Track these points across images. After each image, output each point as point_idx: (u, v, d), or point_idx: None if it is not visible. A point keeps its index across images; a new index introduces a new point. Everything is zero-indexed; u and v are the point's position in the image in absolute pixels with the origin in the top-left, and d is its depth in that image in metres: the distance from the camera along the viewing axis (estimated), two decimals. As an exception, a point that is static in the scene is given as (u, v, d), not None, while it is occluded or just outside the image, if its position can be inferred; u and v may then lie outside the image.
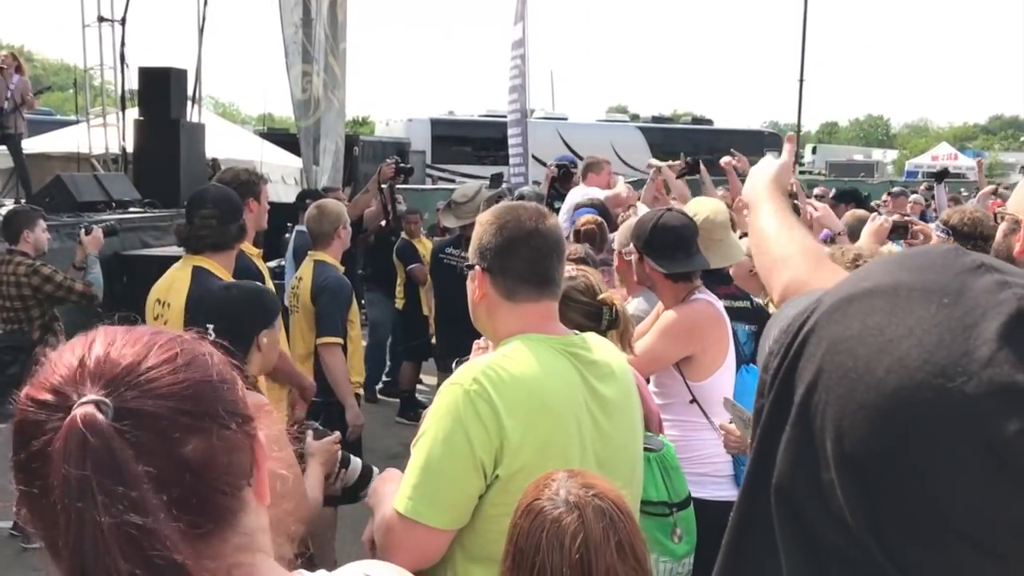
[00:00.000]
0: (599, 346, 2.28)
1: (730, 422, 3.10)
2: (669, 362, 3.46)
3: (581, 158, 8.17)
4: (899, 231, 4.36)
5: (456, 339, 3.74)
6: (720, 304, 3.63)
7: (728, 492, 3.38)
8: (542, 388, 2.06)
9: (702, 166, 7.02)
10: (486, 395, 1.99)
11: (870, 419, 0.86)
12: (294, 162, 14.92)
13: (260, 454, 1.02)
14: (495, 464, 2.00)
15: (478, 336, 3.37)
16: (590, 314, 2.74)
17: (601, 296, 2.76)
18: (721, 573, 1.11)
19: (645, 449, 2.84)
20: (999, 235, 1.96)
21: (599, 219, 5.20)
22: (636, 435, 2.33)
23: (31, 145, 14.76)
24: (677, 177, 6.85)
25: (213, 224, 3.94)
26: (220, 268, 3.87)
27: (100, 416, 0.89)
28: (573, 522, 1.67)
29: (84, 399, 0.90)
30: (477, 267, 2.23)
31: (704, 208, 4.04)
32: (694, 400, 3.46)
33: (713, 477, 3.40)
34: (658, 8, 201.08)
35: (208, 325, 2.42)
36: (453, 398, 2.01)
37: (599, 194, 6.49)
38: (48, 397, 0.93)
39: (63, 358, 0.97)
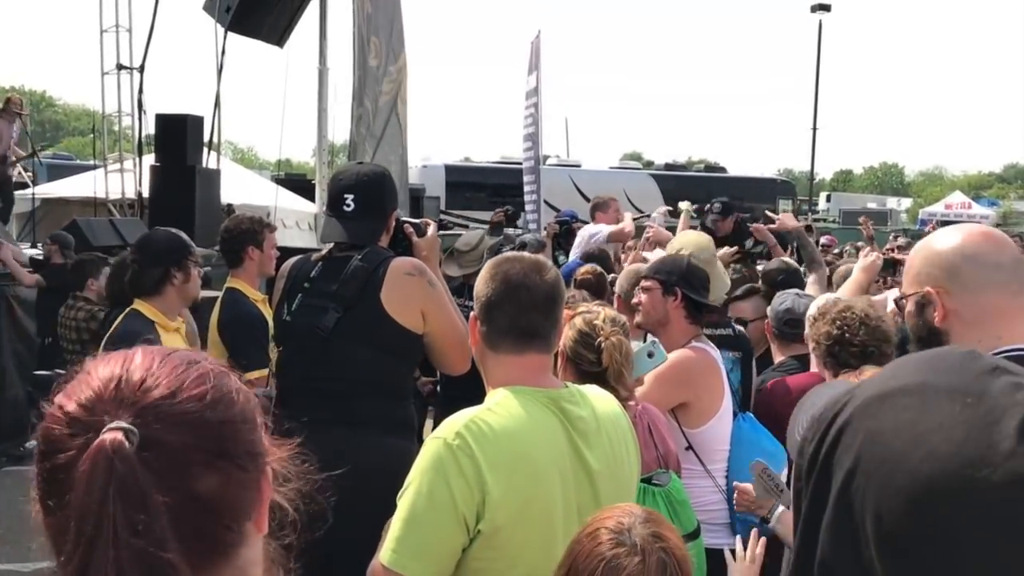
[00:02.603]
0: (590, 399, 2.29)
1: (753, 483, 3.10)
2: (663, 408, 3.48)
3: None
4: (889, 267, 4.43)
5: (459, 387, 3.77)
6: (716, 352, 3.67)
7: (724, 539, 3.38)
8: (525, 443, 2.08)
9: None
10: (468, 450, 2.01)
11: (907, 502, 0.99)
12: (308, 207, 15.06)
13: (266, 490, 1.06)
14: (477, 519, 2.01)
15: (480, 384, 3.43)
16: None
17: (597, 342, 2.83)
18: None
19: (652, 484, 2.87)
20: (911, 318, 2.03)
21: (599, 269, 5.29)
22: (625, 499, 2.30)
23: (50, 189, 15.02)
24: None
25: (135, 269, 3.93)
26: (155, 312, 3.76)
27: (127, 444, 0.92)
28: (633, 565, 1.69)
29: (114, 425, 0.93)
30: (472, 314, 2.29)
31: (690, 243, 4.14)
32: (690, 447, 3.48)
33: (709, 524, 3.41)
34: (673, 56, 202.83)
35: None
36: (436, 452, 2.04)
37: (605, 229, 6.70)
38: (79, 413, 0.96)
39: (99, 373, 1.00)
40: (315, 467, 1.17)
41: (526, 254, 2.45)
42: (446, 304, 3.29)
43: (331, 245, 3.39)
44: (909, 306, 2.03)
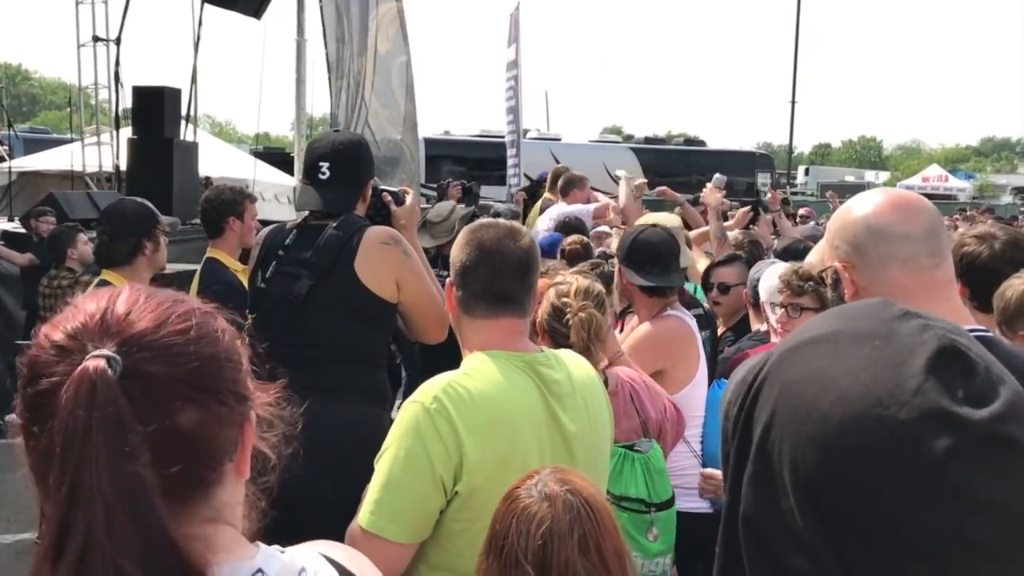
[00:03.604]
0: (566, 363, 2.33)
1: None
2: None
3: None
4: None
5: (432, 355, 3.80)
6: (692, 320, 3.71)
7: (698, 504, 3.45)
8: (502, 406, 2.12)
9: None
10: (446, 413, 2.05)
11: (819, 449, 1.01)
12: (287, 181, 14.98)
13: (248, 433, 1.07)
14: (454, 481, 2.05)
15: (453, 353, 3.45)
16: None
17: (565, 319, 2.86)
18: None
19: (632, 450, 2.93)
20: (830, 292, 1.91)
21: (584, 239, 5.33)
22: (601, 461, 2.38)
23: (26, 163, 14.86)
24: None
25: (105, 241, 3.96)
26: (120, 280, 3.75)
27: (109, 371, 0.93)
28: (541, 512, 1.73)
29: (97, 352, 0.95)
30: (448, 279, 2.33)
31: (661, 223, 4.17)
32: (665, 413, 3.53)
33: (684, 489, 3.46)
34: (653, 29, 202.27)
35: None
36: (414, 416, 2.07)
37: (583, 209, 6.61)
38: (65, 341, 0.98)
39: (86, 306, 1.02)
40: (295, 415, 1.18)
41: (501, 220, 2.48)
42: (421, 273, 3.30)
43: (306, 213, 3.40)
44: (828, 280, 1.91)
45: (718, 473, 3.18)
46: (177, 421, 0.98)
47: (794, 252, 5.46)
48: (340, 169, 3.35)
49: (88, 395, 0.92)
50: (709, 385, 3.70)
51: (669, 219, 4.35)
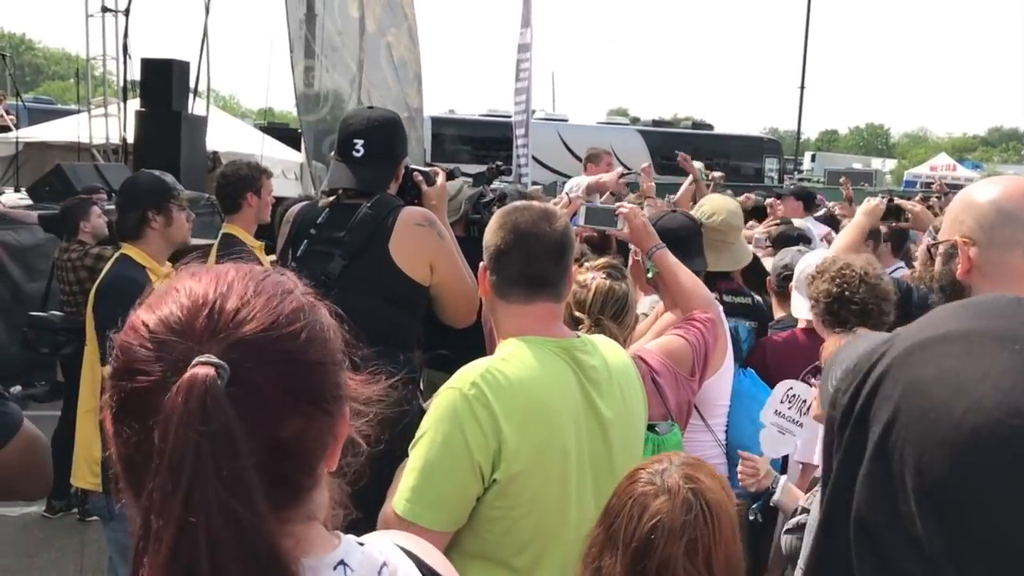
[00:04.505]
0: (601, 348, 2.29)
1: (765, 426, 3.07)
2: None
3: (580, 159, 8.24)
4: (893, 212, 4.38)
5: (438, 334, 3.72)
6: (719, 307, 3.65)
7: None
8: (540, 392, 2.08)
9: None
10: (484, 400, 2.01)
11: (949, 456, 0.94)
12: (295, 157, 14.90)
13: (343, 430, 1.02)
14: (492, 468, 2.01)
15: (461, 333, 3.36)
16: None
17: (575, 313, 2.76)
18: None
19: (651, 431, 2.86)
20: (939, 264, 1.97)
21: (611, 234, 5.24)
22: (636, 449, 2.34)
23: (32, 133, 14.77)
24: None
25: (118, 212, 3.88)
26: (144, 256, 3.69)
27: (219, 382, 0.86)
28: (656, 503, 1.70)
29: (206, 358, 0.88)
30: (482, 264, 2.28)
31: (722, 209, 4.03)
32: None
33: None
34: (661, 12, 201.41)
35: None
36: (452, 401, 2.03)
37: (584, 179, 6.59)
38: (165, 335, 0.91)
39: (190, 291, 0.94)
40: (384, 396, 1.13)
41: (535, 203, 2.42)
42: (454, 256, 3.24)
43: (339, 191, 3.31)
44: (940, 251, 1.96)
45: (758, 457, 3.12)
46: (280, 432, 0.92)
47: (786, 239, 5.48)
48: (375, 147, 3.27)
49: (199, 410, 0.85)
50: (735, 373, 3.63)
51: (726, 202, 4.20)
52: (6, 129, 14.05)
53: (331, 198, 3.33)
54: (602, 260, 2.92)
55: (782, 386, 3.09)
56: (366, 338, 3.20)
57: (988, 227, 1.87)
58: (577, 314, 2.74)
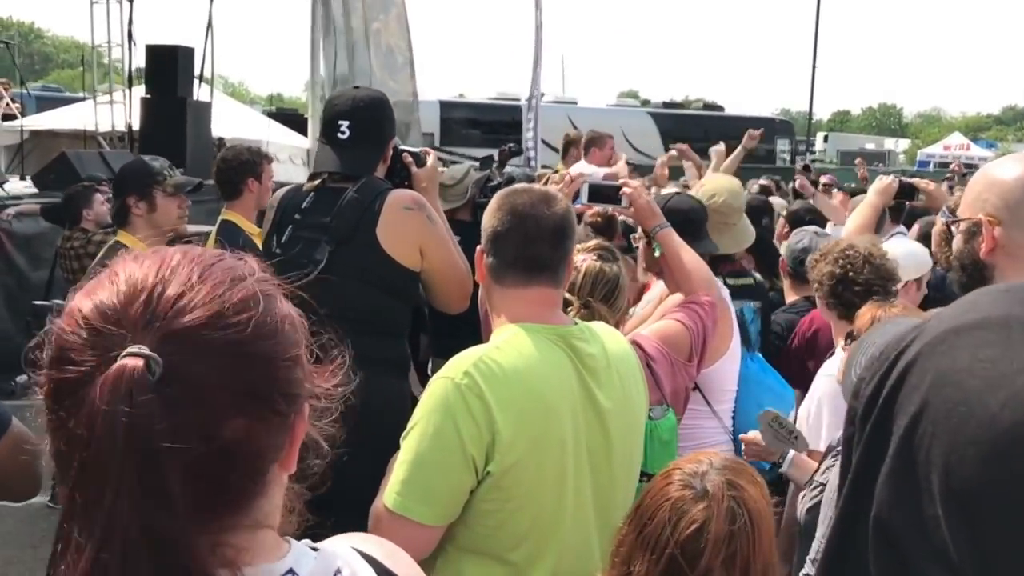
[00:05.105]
0: (600, 336, 2.22)
1: (761, 432, 3.02)
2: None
3: (590, 143, 8.10)
4: (906, 192, 4.30)
5: (443, 321, 3.64)
6: (725, 291, 3.57)
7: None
8: (536, 381, 2.01)
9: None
10: (477, 389, 1.94)
11: (982, 455, 0.84)
12: (301, 142, 14.85)
13: (300, 430, 0.94)
14: (486, 460, 1.95)
15: (465, 320, 3.28)
16: None
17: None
18: None
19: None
20: (959, 242, 1.89)
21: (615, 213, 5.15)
22: (636, 440, 2.27)
23: (38, 121, 14.76)
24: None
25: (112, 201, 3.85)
26: (137, 243, 3.61)
27: (148, 376, 0.80)
28: (696, 509, 1.61)
29: (136, 349, 0.81)
30: (479, 247, 2.21)
31: (723, 190, 3.94)
32: (696, 387, 3.40)
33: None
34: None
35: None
36: (443, 391, 1.96)
37: (597, 171, 6.45)
38: (99, 323, 0.84)
39: (129, 275, 0.87)
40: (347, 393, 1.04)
41: (536, 186, 2.35)
42: (446, 240, 3.15)
43: (324, 175, 3.20)
44: (960, 228, 1.87)
45: (757, 436, 3.05)
46: (220, 433, 0.83)
47: (799, 219, 5.44)
48: (361, 128, 3.16)
49: (123, 406, 0.78)
50: (742, 359, 3.56)
51: (728, 182, 4.11)
52: (12, 117, 14.04)
53: (316, 182, 3.22)
54: (593, 242, 2.84)
55: (764, 416, 3.01)
56: (356, 326, 3.12)
57: (1014, 205, 1.78)
58: (566, 296, 2.66)
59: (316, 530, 1.06)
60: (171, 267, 0.88)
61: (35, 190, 9.75)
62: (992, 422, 0.84)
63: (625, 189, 3.11)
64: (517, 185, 2.37)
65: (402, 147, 3.37)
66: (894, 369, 0.97)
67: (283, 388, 0.89)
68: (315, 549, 0.99)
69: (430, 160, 3.39)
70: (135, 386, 0.79)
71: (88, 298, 0.87)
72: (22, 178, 11.29)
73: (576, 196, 3.28)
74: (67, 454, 0.82)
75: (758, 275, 4.11)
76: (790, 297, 4.17)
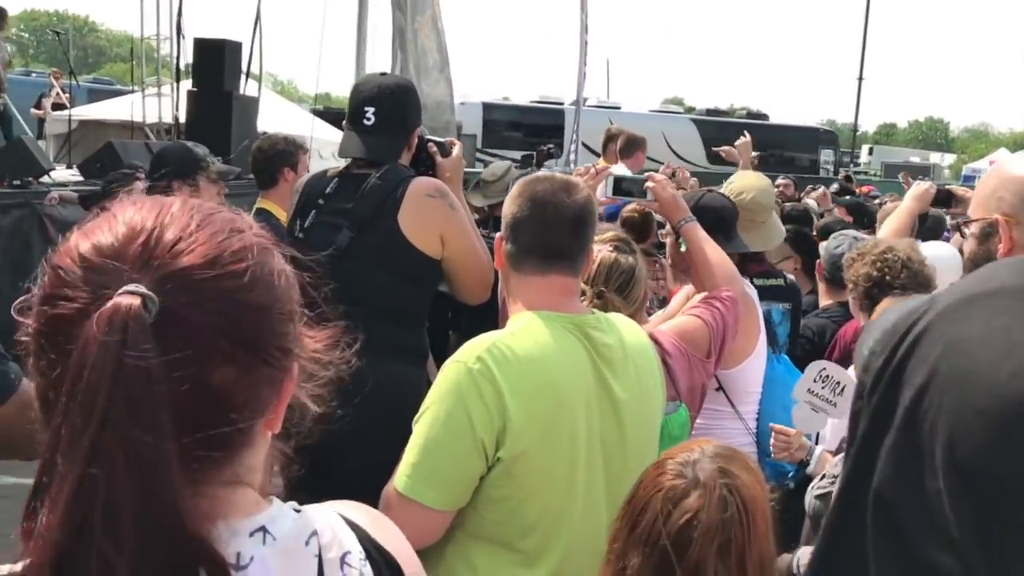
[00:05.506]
0: (618, 326, 2.21)
1: (795, 406, 3.00)
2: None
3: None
4: (943, 198, 4.25)
5: (480, 316, 3.67)
6: (753, 291, 3.55)
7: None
8: (549, 369, 2.01)
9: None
10: (489, 374, 1.94)
11: (989, 427, 0.80)
12: (346, 140, 14.94)
13: (288, 388, 0.95)
14: (497, 446, 1.95)
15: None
16: None
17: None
18: None
19: None
20: (972, 244, 1.83)
21: (645, 207, 5.13)
22: (651, 432, 2.26)
23: (87, 112, 15.00)
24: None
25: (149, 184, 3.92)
26: None
27: (144, 314, 0.80)
28: (689, 499, 1.59)
29: (134, 287, 0.82)
30: (499, 234, 2.21)
31: (751, 187, 3.92)
32: (720, 388, 3.39)
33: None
34: (719, 1, 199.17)
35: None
36: (456, 376, 1.97)
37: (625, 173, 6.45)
38: (96, 260, 0.85)
39: (127, 218, 0.88)
40: (345, 362, 1.04)
41: (557, 174, 2.36)
42: (467, 229, 3.15)
43: (348, 161, 3.22)
44: (972, 229, 1.80)
45: (791, 430, 3.02)
46: (210, 378, 0.84)
47: (829, 232, 5.42)
48: (386, 115, 3.16)
49: (119, 341, 0.79)
50: (768, 360, 3.54)
51: (757, 179, 4.08)
52: (62, 107, 14.28)
53: (340, 167, 3.24)
54: (610, 233, 2.83)
55: (815, 365, 3.00)
56: (374, 312, 3.09)
57: None
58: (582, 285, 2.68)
59: None
60: (171, 213, 0.90)
61: (80, 178, 9.89)
62: (1001, 392, 0.80)
63: (649, 183, 3.11)
64: (540, 173, 2.38)
65: (428, 136, 3.38)
66: (905, 339, 0.94)
67: (275, 341, 0.90)
68: (297, 511, 0.99)
69: (455, 151, 3.39)
70: (131, 322, 0.79)
71: (86, 238, 0.88)
72: (69, 167, 11.47)
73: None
74: (56, 388, 0.82)
75: (791, 277, 4.08)
76: (824, 301, 4.14)
